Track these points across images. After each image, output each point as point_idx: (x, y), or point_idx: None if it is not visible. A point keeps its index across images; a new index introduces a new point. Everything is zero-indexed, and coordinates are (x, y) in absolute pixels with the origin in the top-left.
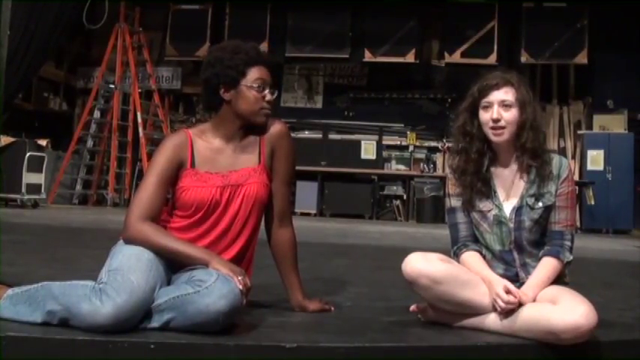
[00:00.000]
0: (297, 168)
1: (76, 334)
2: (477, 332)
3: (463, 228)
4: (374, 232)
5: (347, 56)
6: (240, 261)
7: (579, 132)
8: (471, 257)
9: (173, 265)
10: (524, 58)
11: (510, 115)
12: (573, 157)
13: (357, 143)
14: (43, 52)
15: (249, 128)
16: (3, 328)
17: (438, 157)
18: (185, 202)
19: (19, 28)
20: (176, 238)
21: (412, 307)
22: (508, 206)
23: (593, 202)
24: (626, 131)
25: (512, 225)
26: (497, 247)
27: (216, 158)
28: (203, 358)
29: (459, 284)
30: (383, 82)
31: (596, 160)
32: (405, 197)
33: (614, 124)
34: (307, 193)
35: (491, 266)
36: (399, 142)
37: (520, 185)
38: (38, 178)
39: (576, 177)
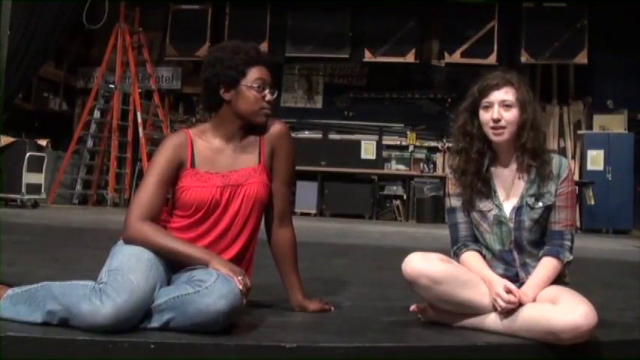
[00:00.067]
0: (297, 168)
1: (76, 334)
2: (477, 332)
3: (463, 228)
4: (374, 232)
5: (347, 56)
6: (240, 261)
7: (579, 132)
8: (471, 257)
9: (173, 265)
10: (524, 58)
11: (511, 115)
12: (573, 157)
13: (357, 143)
14: (43, 52)
15: (249, 128)
16: (3, 328)
17: (438, 157)
18: (185, 202)
19: (19, 28)
20: (176, 238)
21: (412, 307)
22: (508, 206)
23: (593, 202)
24: (626, 131)
25: (512, 225)
26: (497, 247)
27: (216, 158)
28: (203, 358)
29: (459, 284)
30: (383, 82)
31: (596, 160)
32: (405, 197)
33: (614, 124)
34: (307, 193)
35: (491, 266)
36: (399, 142)
37: (520, 185)
38: (38, 178)
39: (576, 177)
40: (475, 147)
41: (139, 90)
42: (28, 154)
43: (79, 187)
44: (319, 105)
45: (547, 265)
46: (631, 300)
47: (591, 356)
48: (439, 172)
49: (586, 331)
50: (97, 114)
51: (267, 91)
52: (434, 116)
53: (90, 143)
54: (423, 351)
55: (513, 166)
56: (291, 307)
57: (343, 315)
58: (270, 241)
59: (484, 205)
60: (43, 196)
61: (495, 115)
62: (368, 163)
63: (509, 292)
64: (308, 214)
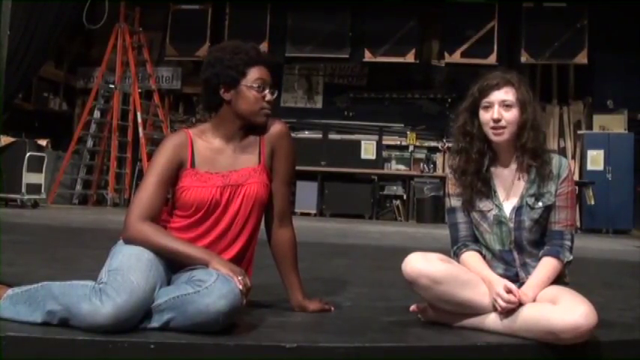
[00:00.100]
0: (297, 168)
1: (76, 334)
2: (477, 332)
3: (463, 228)
4: (374, 232)
5: (347, 56)
6: (240, 261)
7: (579, 132)
8: (471, 257)
9: (173, 265)
10: (524, 58)
11: (511, 115)
12: (573, 157)
13: (357, 143)
14: (43, 52)
15: (249, 128)
16: (3, 328)
17: (438, 157)
18: (185, 202)
19: (19, 28)
20: (176, 238)
21: (412, 307)
22: (508, 206)
23: (593, 202)
24: (626, 131)
25: (512, 225)
26: (497, 247)
27: (216, 158)
28: (203, 358)
29: (459, 284)
30: (383, 82)
31: (596, 160)
32: (405, 197)
33: (614, 124)
34: (307, 193)
35: (491, 266)
36: (399, 142)
37: (520, 185)
38: (38, 178)
39: (576, 177)
40: (475, 147)
41: (139, 90)
42: (28, 154)
43: (79, 187)
44: (319, 105)
45: (547, 265)
46: (631, 300)
47: (591, 356)
48: (439, 172)
49: (586, 331)
50: (97, 114)
51: (267, 91)
52: (434, 116)
53: (90, 143)
54: (423, 351)
55: (513, 166)
56: (291, 307)
57: (343, 315)
58: (270, 241)
59: (484, 205)
60: (43, 196)
61: (495, 115)
62: (368, 163)
63: (509, 291)
64: (308, 214)
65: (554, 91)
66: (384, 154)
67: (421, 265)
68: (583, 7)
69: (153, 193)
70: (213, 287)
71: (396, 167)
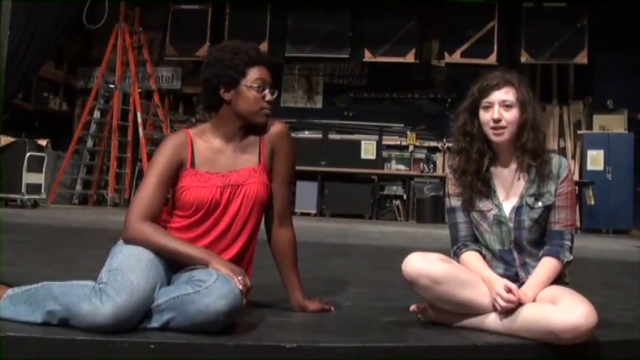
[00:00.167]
0: (297, 168)
1: (76, 334)
2: (477, 332)
3: (463, 228)
4: (374, 232)
5: (347, 56)
6: (240, 261)
7: (579, 132)
8: (471, 257)
9: (173, 265)
10: (524, 58)
11: (511, 115)
12: (573, 157)
13: (357, 143)
14: (43, 52)
15: (249, 128)
16: (3, 328)
17: (438, 157)
18: (185, 202)
19: (19, 28)
20: (176, 238)
21: (412, 307)
22: (508, 206)
23: (593, 202)
24: (626, 131)
25: (511, 224)
26: (497, 247)
27: (216, 158)
28: (203, 358)
29: (459, 284)
30: (383, 82)
31: (596, 160)
32: (405, 197)
33: (614, 124)
34: (307, 193)
35: (491, 266)
36: (399, 142)
37: (520, 185)
38: (38, 178)
39: (576, 177)
40: (475, 147)
41: (139, 90)
42: (28, 154)
43: (79, 187)
44: (319, 105)
45: (547, 265)
46: (631, 300)
47: (591, 356)
48: (439, 172)
49: (586, 331)
50: (97, 114)
51: (267, 91)
52: (434, 116)
53: (90, 143)
54: (423, 351)
55: (513, 166)
56: (291, 307)
57: (343, 315)
58: (270, 241)
59: (484, 204)
60: (43, 196)
61: (496, 116)
62: (368, 163)
63: (509, 291)
64: (308, 214)
65: (554, 91)
66: (384, 154)
67: (421, 265)
68: (583, 7)
69: (153, 193)
70: (213, 287)
71: (396, 167)
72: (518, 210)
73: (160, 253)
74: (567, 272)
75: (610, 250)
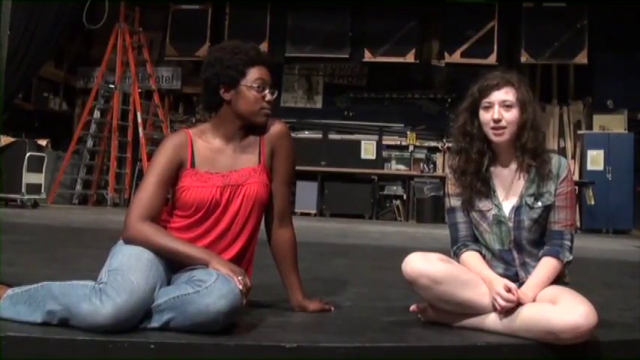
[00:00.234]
0: (297, 168)
1: (76, 334)
2: (477, 332)
3: (463, 228)
4: (374, 232)
5: (347, 56)
6: (240, 261)
7: (579, 132)
8: (471, 257)
9: (173, 265)
10: (524, 58)
11: (511, 116)
12: (573, 157)
13: (357, 143)
14: (43, 52)
15: (249, 128)
16: (3, 328)
17: (438, 157)
18: (185, 202)
19: (19, 28)
20: (176, 238)
21: (412, 307)
22: (507, 206)
23: (593, 202)
24: (626, 131)
25: (511, 224)
26: (496, 247)
27: (216, 158)
28: (203, 358)
29: (459, 284)
30: (383, 82)
31: (596, 160)
32: (405, 197)
33: (614, 124)
34: (307, 193)
35: (491, 266)
36: (399, 142)
37: (519, 185)
38: (38, 178)
39: (576, 177)
40: (475, 147)
41: (139, 90)
42: (28, 154)
43: (79, 187)
44: (319, 105)
45: (547, 265)
46: (631, 300)
47: (591, 356)
48: (439, 172)
49: (586, 331)
50: (97, 114)
51: (267, 91)
52: (434, 116)
53: (90, 143)
54: (423, 351)
55: (513, 166)
56: (291, 307)
57: (343, 315)
58: (270, 241)
59: (483, 204)
60: (43, 196)
61: (496, 116)
62: (368, 163)
63: (509, 290)
64: (308, 214)
65: (554, 91)
66: (384, 154)
67: (421, 265)
68: (583, 7)
69: (153, 193)
70: (213, 287)
71: (396, 167)
72: (517, 210)
73: (160, 253)
74: (567, 272)
75: (610, 250)
